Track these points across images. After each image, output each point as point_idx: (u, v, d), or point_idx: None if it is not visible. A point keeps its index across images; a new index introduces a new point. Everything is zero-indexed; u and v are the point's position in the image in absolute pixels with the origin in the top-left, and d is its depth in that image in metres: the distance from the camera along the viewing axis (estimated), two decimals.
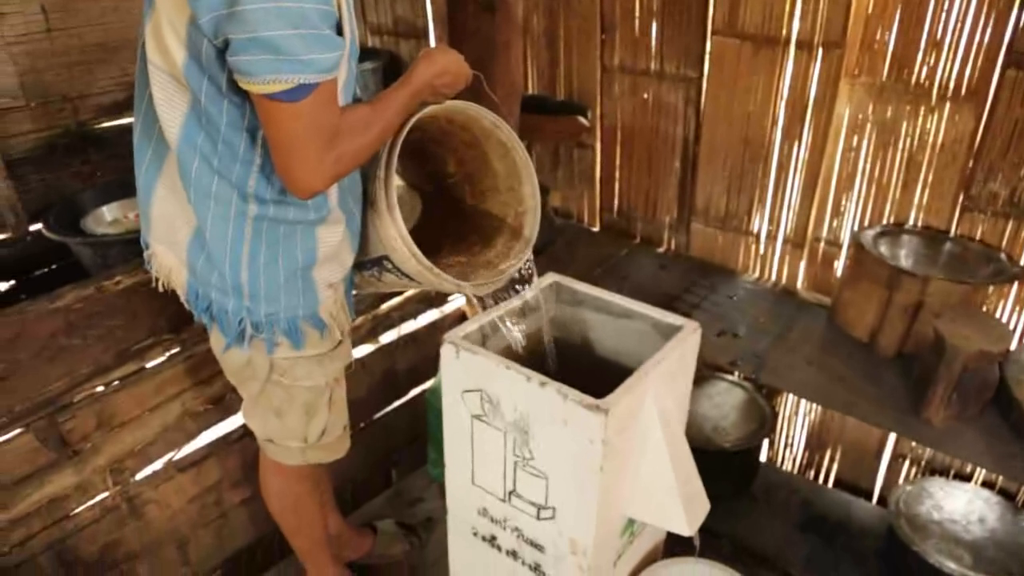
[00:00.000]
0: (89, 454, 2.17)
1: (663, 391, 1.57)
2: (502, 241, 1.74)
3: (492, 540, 1.76)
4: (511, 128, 1.61)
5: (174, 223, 1.43)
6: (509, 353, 1.68)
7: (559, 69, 3.12)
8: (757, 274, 2.89)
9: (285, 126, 1.18)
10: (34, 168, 3.15)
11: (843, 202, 2.62)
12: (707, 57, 2.70)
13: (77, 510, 2.13)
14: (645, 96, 2.91)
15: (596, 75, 3.01)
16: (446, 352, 1.59)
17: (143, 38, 1.25)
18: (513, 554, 1.72)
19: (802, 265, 2.78)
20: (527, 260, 1.70)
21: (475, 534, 1.79)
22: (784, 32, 2.50)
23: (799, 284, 2.81)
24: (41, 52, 3.08)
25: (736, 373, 2.72)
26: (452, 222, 1.83)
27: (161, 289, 1.59)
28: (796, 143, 2.63)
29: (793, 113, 2.59)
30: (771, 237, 2.82)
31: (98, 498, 2.17)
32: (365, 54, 3.60)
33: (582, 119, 3.04)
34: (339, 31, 1.21)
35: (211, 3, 1.07)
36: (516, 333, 1.74)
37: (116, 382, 2.23)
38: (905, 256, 2.36)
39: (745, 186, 2.79)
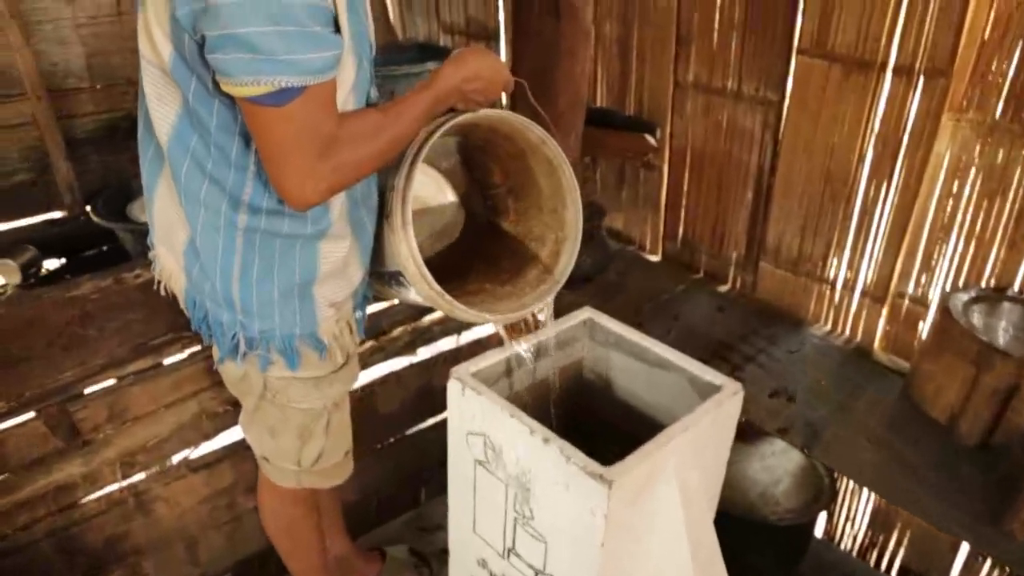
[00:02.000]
0: (100, 445, 2.14)
1: (688, 462, 1.37)
2: (534, 273, 1.61)
3: None
4: (568, 145, 1.44)
5: (173, 226, 1.34)
6: (534, 392, 1.56)
7: (630, 81, 2.91)
8: (828, 327, 2.61)
9: (271, 133, 1.07)
10: (94, 149, 3.18)
11: (935, 256, 2.31)
12: (790, 79, 2.44)
13: (84, 500, 2.09)
14: (719, 118, 2.67)
15: (668, 91, 2.79)
16: (452, 388, 1.47)
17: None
18: None
19: (881, 322, 2.48)
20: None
21: None
22: (880, 55, 2.22)
23: (875, 344, 2.51)
24: (110, 34, 3.09)
25: None
26: (489, 242, 1.71)
27: (163, 292, 1.51)
28: (885, 183, 2.34)
29: (884, 149, 2.30)
30: (848, 287, 2.53)
31: (106, 490, 2.13)
32: (433, 52, 3.49)
33: (650, 138, 2.83)
34: (337, 28, 1.07)
35: None
36: (538, 371, 1.61)
37: (131, 376, 2.19)
38: (1003, 329, 2.04)
39: (823, 227, 2.51)
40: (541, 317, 1.57)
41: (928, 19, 2.10)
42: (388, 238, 1.41)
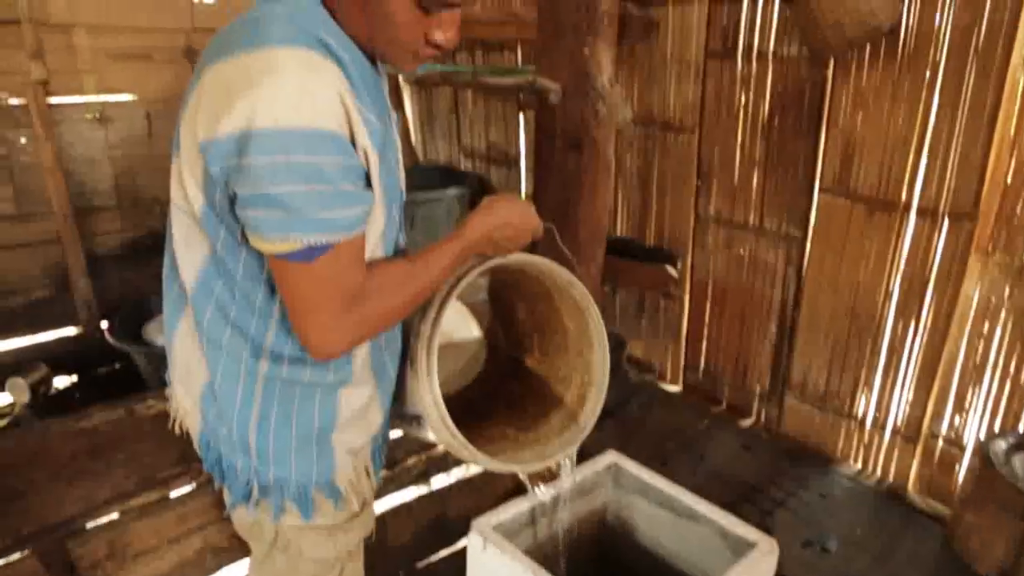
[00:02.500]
0: None
1: None
2: (558, 417, 1.55)
3: None
4: (589, 275, 1.42)
5: (192, 367, 1.30)
6: (556, 541, 1.51)
7: (650, 213, 2.94)
8: (858, 465, 2.51)
9: (297, 287, 1.05)
10: (115, 265, 3.20)
11: (968, 397, 2.24)
12: (813, 216, 2.45)
13: None
14: (741, 251, 2.67)
15: (689, 223, 2.80)
16: (473, 543, 1.42)
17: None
18: None
19: (914, 463, 2.38)
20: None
21: None
22: (903, 196, 2.23)
23: (909, 486, 2.40)
24: (139, 156, 3.18)
25: None
26: (512, 382, 1.66)
27: (177, 431, 1.46)
28: (913, 322, 2.30)
29: (910, 288, 2.28)
30: (878, 425, 2.45)
31: None
32: (454, 177, 3.56)
33: (671, 269, 2.82)
34: (368, 183, 1.07)
35: (221, 151, 0.96)
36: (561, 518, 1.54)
37: (135, 510, 2.10)
38: None
39: (850, 363, 2.46)
40: (564, 463, 1.51)
41: (950, 163, 2.12)
42: (411, 383, 1.37)
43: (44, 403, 2.71)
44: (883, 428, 2.44)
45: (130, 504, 2.09)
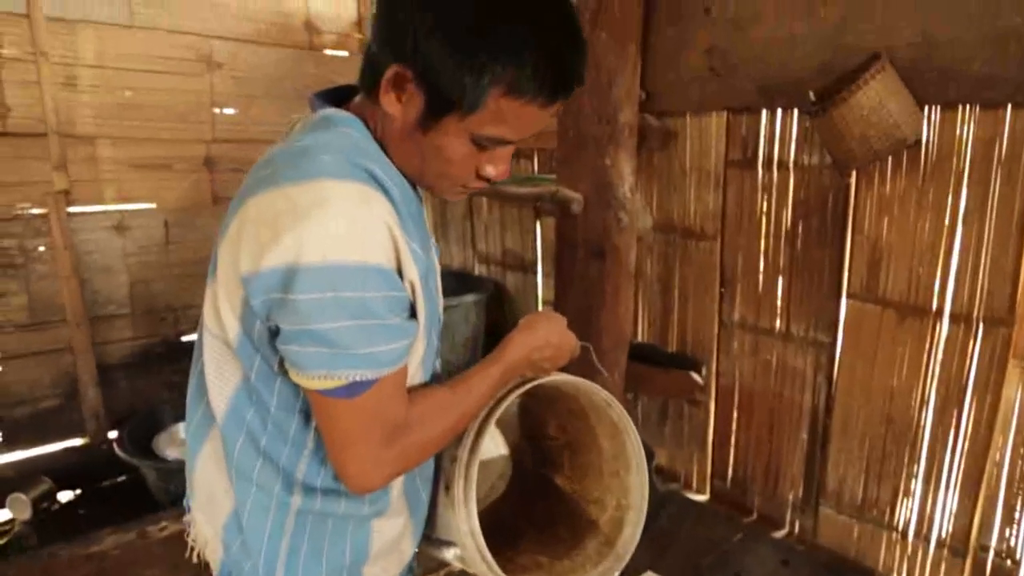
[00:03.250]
0: None
1: None
2: (594, 544, 1.46)
3: None
4: (613, 382, 1.38)
5: (215, 495, 1.22)
6: None
7: (672, 319, 2.92)
8: None
9: (338, 422, 1.01)
10: (126, 374, 3.12)
11: (1018, 507, 2.17)
12: (841, 322, 2.44)
13: None
14: (768, 357, 2.64)
15: (713, 330, 2.78)
16: None
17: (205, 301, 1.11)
18: None
19: None
20: None
21: None
22: (935, 302, 2.23)
23: None
24: (156, 264, 3.16)
25: None
26: (540, 501, 1.56)
27: (196, 560, 1.36)
28: (952, 429, 2.25)
29: (948, 394, 2.24)
30: (921, 536, 2.35)
31: None
32: (470, 283, 3.56)
33: (696, 376, 2.78)
34: (413, 313, 1.04)
35: (264, 285, 0.93)
36: None
37: None
38: None
39: (887, 471, 2.39)
40: None
41: (981, 269, 2.13)
42: (445, 510, 1.30)
43: (47, 519, 2.57)
44: (927, 540, 2.35)
45: None
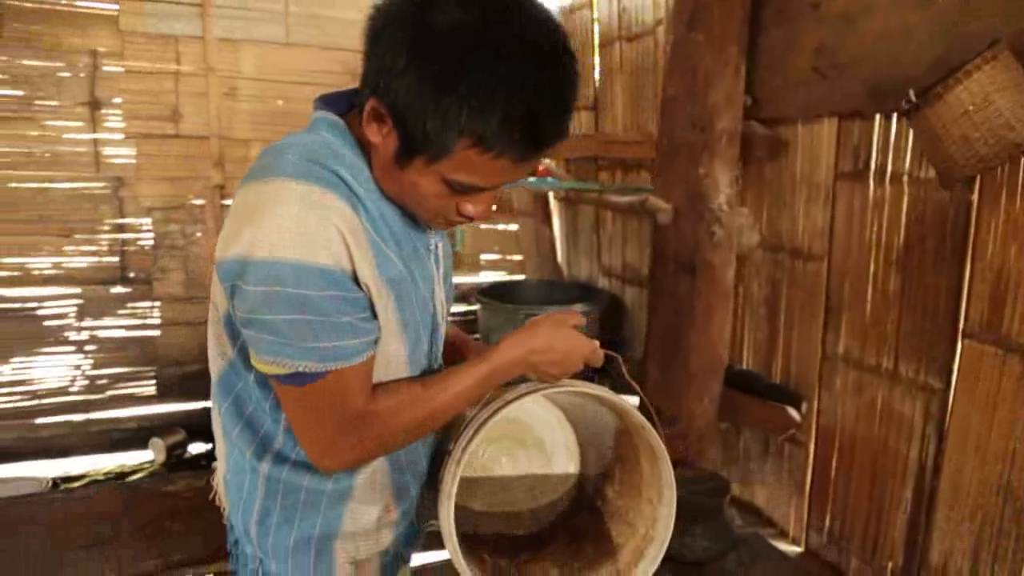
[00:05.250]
0: None
1: None
2: (607, 572, 1.38)
3: None
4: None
5: (221, 450, 1.35)
6: None
7: (776, 346, 2.64)
8: None
9: (290, 407, 1.08)
10: None
11: None
12: (956, 365, 2.05)
13: None
14: (873, 399, 2.29)
15: (816, 362, 2.47)
16: None
17: None
18: None
19: None
20: None
21: None
22: None
23: None
24: None
25: None
26: (587, 513, 1.52)
27: (218, 503, 1.50)
28: None
29: None
30: None
31: None
32: (589, 294, 3.51)
33: (793, 412, 2.49)
34: (375, 314, 1.07)
35: (226, 272, 1.01)
36: None
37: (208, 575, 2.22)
38: None
39: (1004, 552, 1.95)
40: None
41: None
42: (434, 502, 1.30)
43: (177, 463, 2.98)
44: None
45: (203, 569, 2.21)
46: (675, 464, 1.31)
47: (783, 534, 2.65)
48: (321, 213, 0.97)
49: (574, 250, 3.93)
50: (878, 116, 2.19)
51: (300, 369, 1.00)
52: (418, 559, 2.25)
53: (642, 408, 1.29)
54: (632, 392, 1.32)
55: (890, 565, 2.28)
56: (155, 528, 2.30)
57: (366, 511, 1.26)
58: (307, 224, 0.96)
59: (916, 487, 2.19)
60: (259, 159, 1.06)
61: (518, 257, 4.09)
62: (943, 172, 1.87)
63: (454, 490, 1.18)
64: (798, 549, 2.57)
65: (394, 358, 1.14)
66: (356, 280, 1.02)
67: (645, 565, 1.32)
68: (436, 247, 1.25)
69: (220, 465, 1.32)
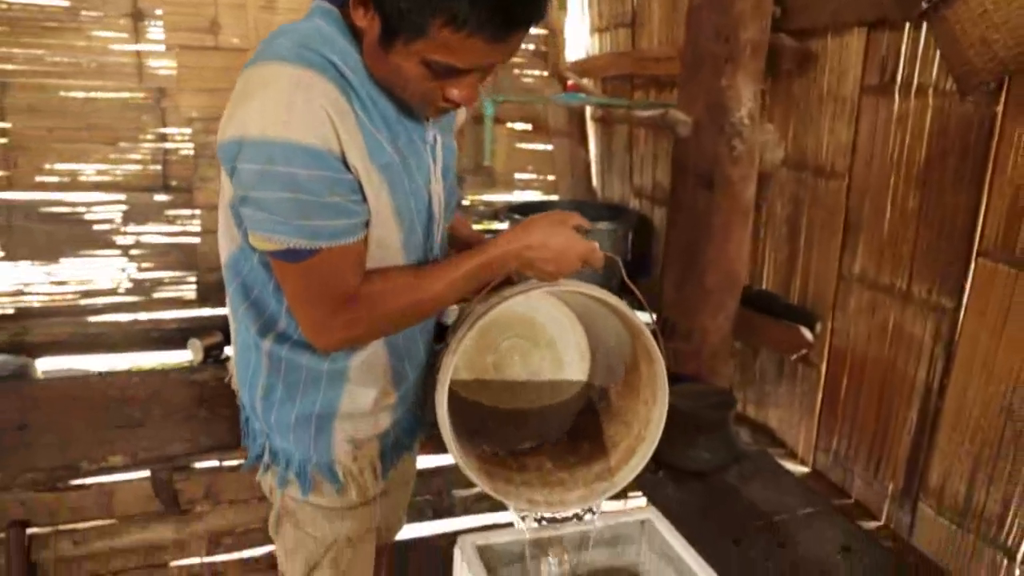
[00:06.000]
0: (193, 518, 2.33)
1: None
2: (597, 468, 1.45)
3: None
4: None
5: (233, 329, 1.44)
6: None
7: (796, 266, 2.61)
8: None
9: (285, 283, 1.15)
10: None
11: None
12: (968, 284, 1.99)
13: (171, 564, 2.28)
14: (885, 319, 2.25)
15: (832, 282, 2.43)
16: (456, 557, 1.35)
17: None
18: None
19: None
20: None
21: None
22: None
23: None
24: None
25: None
26: (591, 414, 1.57)
27: (233, 387, 1.58)
28: None
29: None
30: None
31: (190, 560, 2.30)
32: (617, 213, 3.50)
33: (806, 332, 2.47)
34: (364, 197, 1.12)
35: (225, 154, 1.07)
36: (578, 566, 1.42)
37: (232, 462, 2.35)
38: None
39: (1000, 474, 1.93)
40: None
41: None
42: (432, 388, 1.37)
43: (212, 363, 3.17)
44: None
45: (228, 456, 2.36)
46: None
47: (792, 455, 2.66)
48: (308, 94, 1.01)
49: (608, 171, 3.90)
50: (907, 25, 2.09)
51: (291, 246, 1.05)
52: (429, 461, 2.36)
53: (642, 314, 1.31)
54: (632, 296, 1.34)
55: (891, 486, 2.27)
56: (184, 414, 2.46)
57: (364, 393, 1.33)
58: (295, 104, 1.01)
59: (921, 408, 2.16)
60: (259, 45, 1.11)
61: (552, 177, 4.08)
62: (962, 78, 1.79)
63: (447, 378, 1.24)
64: (805, 469, 2.59)
65: (388, 245, 1.19)
66: (345, 162, 1.07)
67: (635, 461, 1.37)
68: (435, 140, 1.28)
69: (233, 344, 1.40)
